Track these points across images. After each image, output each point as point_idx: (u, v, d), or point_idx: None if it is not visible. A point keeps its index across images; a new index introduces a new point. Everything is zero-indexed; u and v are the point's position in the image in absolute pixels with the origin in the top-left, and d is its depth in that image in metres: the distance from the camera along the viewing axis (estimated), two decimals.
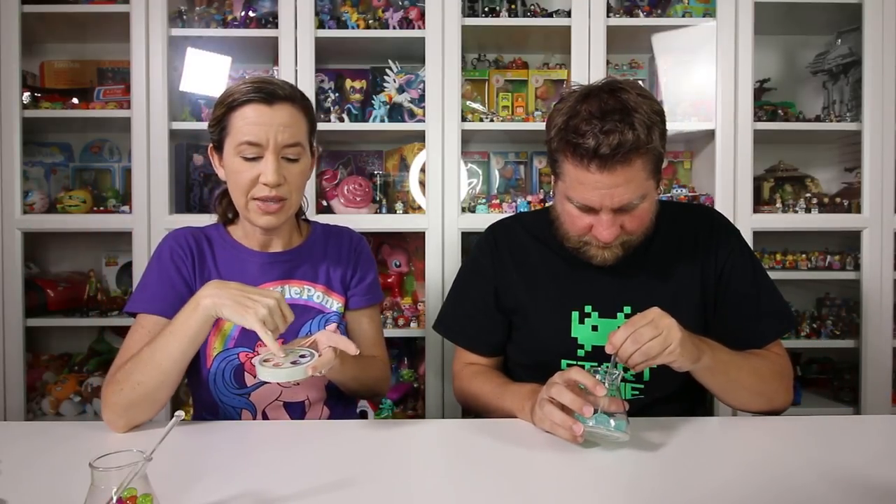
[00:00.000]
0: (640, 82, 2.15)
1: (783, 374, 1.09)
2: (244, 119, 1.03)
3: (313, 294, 1.16)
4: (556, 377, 0.93)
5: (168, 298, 1.06)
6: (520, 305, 1.16)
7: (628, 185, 0.97)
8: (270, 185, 1.03)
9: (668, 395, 1.12)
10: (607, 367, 0.91)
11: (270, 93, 1.04)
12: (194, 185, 2.07)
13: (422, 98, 1.96)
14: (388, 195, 2.08)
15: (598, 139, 0.94)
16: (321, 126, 1.83)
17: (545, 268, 1.16)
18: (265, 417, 1.10)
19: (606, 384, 0.89)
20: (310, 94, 1.85)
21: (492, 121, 2.00)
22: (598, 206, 1.00)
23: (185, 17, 1.98)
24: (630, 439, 0.88)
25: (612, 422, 0.87)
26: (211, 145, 1.12)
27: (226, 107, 1.06)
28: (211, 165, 1.13)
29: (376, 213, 2.01)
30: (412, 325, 2.01)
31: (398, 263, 2.16)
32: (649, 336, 0.89)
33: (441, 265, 1.93)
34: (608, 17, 1.93)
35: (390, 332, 1.98)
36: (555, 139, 1.02)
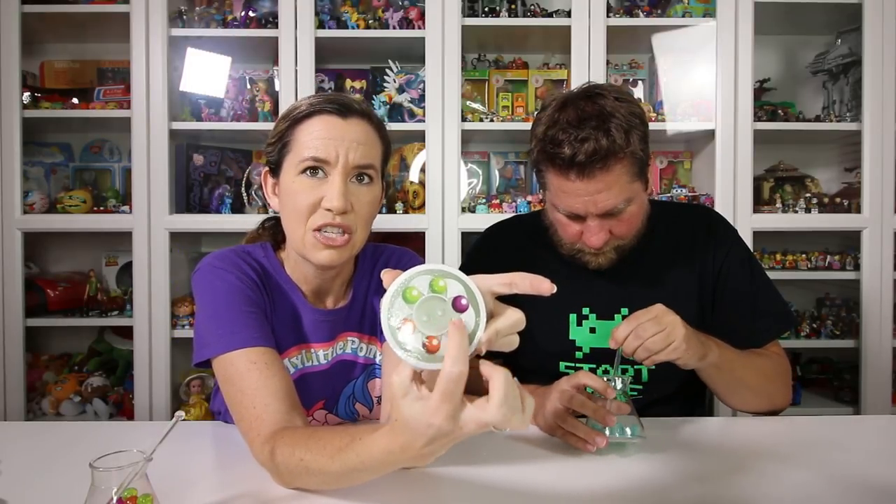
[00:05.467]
0: (640, 82, 2.16)
1: (784, 373, 1.10)
2: (310, 133, 0.87)
3: (357, 346, 1.01)
4: (563, 383, 0.91)
5: (265, 327, 0.88)
6: (517, 307, 1.16)
7: (610, 190, 0.97)
8: (335, 210, 0.85)
9: (667, 396, 1.12)
10: (612, 375, 0.91)
11: (344, 104, 0.89)
12: (194, 185, 2.07)
13: (422, 98, 1.96)
14: (389, 195, 2.08)
15: (574, 147, 0.94)
16: None
17: (542, 270, 1.14)
18: None
19: (618, 386, 0.89)
20: (309, 94, 1.86)
21: (492, 121, 2.00)
22: (582, 212, 1.00)
23: (185, 17, 1.98)
24: (646, 438, 0.89)
25: (628, 429, 0.88)
26: (266, 169, 0.95)
27: (290, 120, 0.90)
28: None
29: None
30: None
31: None
32: (652, 332, 0.89)
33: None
34: (608, 17, 1.93)
35: None
36: (535, 150, 1.02)
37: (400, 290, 0.54)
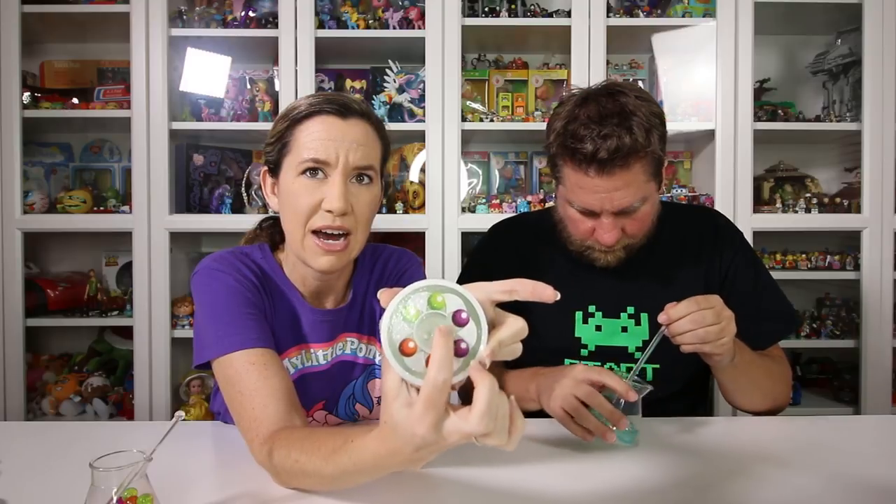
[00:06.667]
0: (640, 82, 2.16)
1: (786, 375, 1.11)
2: (310, 134, 0.87)
3: (357, 347, 1.01)
4: (580, 372, 0.89)
5: (264, 328, 0.88)
6: (523, 305, 1.16)
7: (628, 188, 0.97)
8: (335, 212, 0.85)
9: (669, 395, 1.12)
10: (635, 378, 0.91)
11: (344, 105, 0.88)
12: (194, 185, 2.07)
13: (422, 98, 1.96)
14: (388, 195, 2.08)
15: (596, 144, 0.94)
16: None
17: (548, 267, 1.16)
18: None
19: (631, 382, 0.89)
20: (309, 94, 1.86)
21: (492, 121, 2.00)
22: (598, 209, 1.00)
23: (185, 17, 1.98)
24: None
25: (626, 436, 0.89)
26: (264, 169, 0.94)
27: (289, 120, 0.89)
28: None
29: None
30: None
31: None
32: (711, 321, 0.88)
33: (441, 265, 1.93)
34: (608, 17, 1.93)
35: None
36: (554, 144, 1.02)
37: (398, 310, 0.53)
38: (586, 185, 0.98)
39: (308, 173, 0.87)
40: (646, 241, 1.08)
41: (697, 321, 0.87)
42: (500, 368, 1.13)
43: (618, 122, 0.94)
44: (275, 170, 0.92)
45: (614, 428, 0.87)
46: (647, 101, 0.99)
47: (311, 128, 0.87)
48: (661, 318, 0.90)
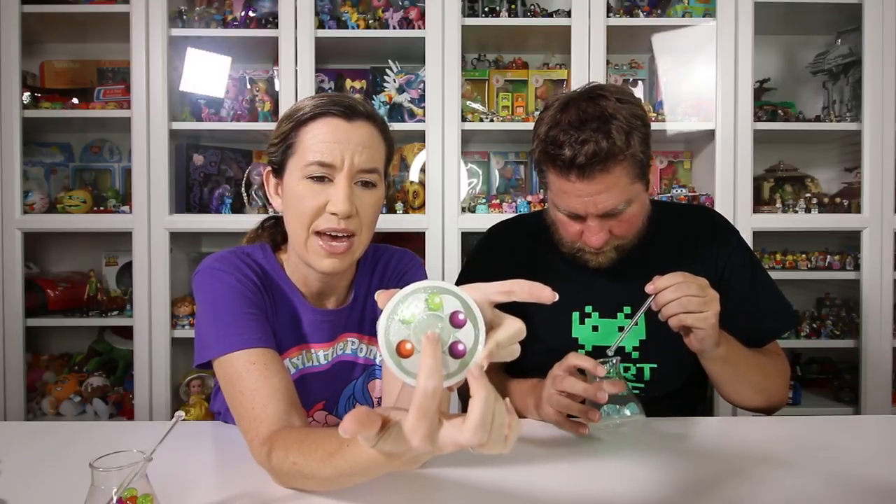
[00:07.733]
0: (640, 82, 2.16)
1: (783, 372, 1.11)
2: (315, 136, 0.87)
3: (357, 347, 1.02)
4: (555, 368, 0.94)
5: (266, 328, 0.88)
6: (520, 306, 1.16)
7: (610, 191, 0.98)
8: (340, 214, 0.85)
9: (668, 394, 1.12)
10: (606, 361, 0.93)
11: (349, 107, 0.88)
12: (194, 185, 2.07)
13: (422, 98, 1.96)
14: (389, 195, 2.08)
15: (574, 149, 0.95)
16: None
17: (545, 269, 1.17)
18: None
19: (607, 366, 0.91)
20: (309, 94, 1.86)
21: (492, 121, 2.00)
22: (582, 213, 1.01)
23: (185, 17, 1.98)
24: (646, 418, 0.91)
25: (626, 410, 0.90)
26: (268, 169, 0.95)
27: (294, 121, 0.89)
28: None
29: None
30: None
31: None
32: (693, 292, 0.90)
33: (441, 265, 1.93)
34: (608, 17, 1.93)
35: None
36: (537, 150, 1.03)
37: (396, 311, 0.52)
38: (569, 189, 0.99)
39: (314, 174, 0.87)
40: (641, 241, 1.09)
41: (681, 290, 0.90)
42: (501, 375, 1.14)
43: (596, 127, 0.95)
44: (279, 171, 0.92)
45: (603, 404, 0.89)
46: (629, 103, 0.99)
47: (315, 129, 0.87)
48: (649, 287, 0.93)
